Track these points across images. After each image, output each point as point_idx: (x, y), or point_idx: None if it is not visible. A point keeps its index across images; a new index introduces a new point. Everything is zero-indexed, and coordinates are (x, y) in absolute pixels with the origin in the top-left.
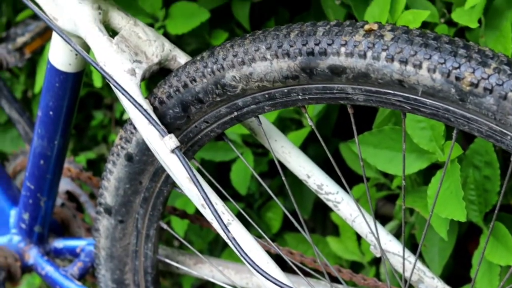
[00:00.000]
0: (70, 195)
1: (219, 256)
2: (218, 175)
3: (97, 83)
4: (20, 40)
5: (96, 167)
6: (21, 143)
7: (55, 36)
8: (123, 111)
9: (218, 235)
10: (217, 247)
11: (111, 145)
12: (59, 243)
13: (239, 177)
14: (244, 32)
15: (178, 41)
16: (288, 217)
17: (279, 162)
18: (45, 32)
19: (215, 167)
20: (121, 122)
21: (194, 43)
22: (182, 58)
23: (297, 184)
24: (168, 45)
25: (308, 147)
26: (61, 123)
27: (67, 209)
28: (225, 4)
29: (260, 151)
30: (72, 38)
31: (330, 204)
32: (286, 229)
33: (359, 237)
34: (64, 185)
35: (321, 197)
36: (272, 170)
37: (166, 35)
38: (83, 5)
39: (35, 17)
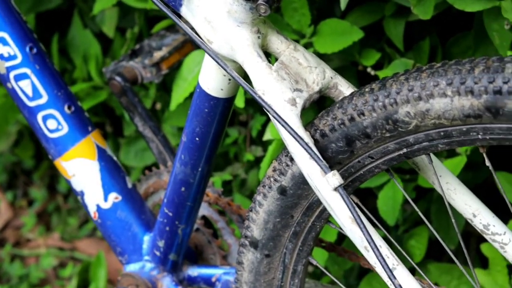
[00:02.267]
0: (206, 221)
1: (356, 284)
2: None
3: (240, 103)
4: (157, 55)
5: (229, 187)
6: (145, 158)
7: (207, 59)
8: (259, 130)
9: (355, 263)
10: (352, 274)
11: (245, 164)
12: (194, 271)
13: (387, 206)
14: (396, 52)
15: (319, 56)
16: (430, 247)
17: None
18: (183, 47)
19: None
20: (256, 141)
21: (338, 60)
22: (343, 86)
23: (444, 212)
24: (329, 72)
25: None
26: (206, 149)
27: (202, 234)
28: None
29: (407, 177)
30: (227, 62)
31: (496, 245)
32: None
33: (510, 271)
34: (201, 210)
35: (487, 237)
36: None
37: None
38: (242, 29)
39: (169, 28)
